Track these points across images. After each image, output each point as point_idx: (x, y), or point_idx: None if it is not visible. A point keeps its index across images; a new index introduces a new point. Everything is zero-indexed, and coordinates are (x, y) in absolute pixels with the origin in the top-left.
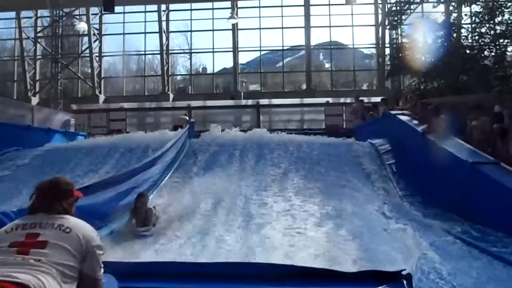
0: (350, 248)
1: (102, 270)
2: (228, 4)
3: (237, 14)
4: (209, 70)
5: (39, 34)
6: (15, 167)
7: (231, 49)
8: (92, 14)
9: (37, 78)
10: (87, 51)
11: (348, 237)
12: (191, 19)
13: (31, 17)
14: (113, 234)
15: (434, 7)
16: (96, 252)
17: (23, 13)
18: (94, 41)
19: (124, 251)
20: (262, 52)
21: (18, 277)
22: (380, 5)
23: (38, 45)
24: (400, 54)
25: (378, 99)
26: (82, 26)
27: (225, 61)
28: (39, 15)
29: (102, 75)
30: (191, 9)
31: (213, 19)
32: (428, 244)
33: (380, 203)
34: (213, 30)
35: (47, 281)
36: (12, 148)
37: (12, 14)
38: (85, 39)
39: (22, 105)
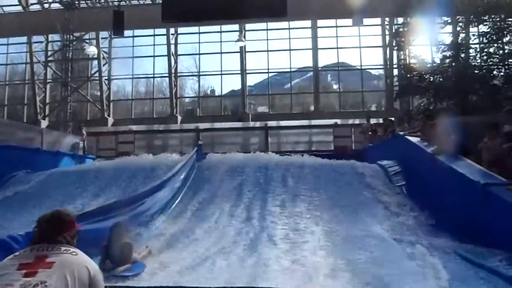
0: (360, 272)
1: None
2: (236, 27)
3: (244, 37)
4: (217, 92)
5: (49, 58)
6: (23, 190)
7: (239, 72)
8: (102, 38)
9: (47, 101)
10: (97, 74)
11: (358, 261)
12: (199, 42)
13: (42, 42)
14: None
15: (441, 28)
16: (100, 280)
17: (34, 38)
18: (104, 65)
19: None
20: (270, 74)
21: None
22: (387, 26)
23: (48, 69)
24: (408, 75)
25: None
26: (92, 50)
27: (233, 83)
28: (50, 39)
29: (111, 98)
30: (199, 32)
31: (221, 42)
32: (440, 267)
33: (391, 226)
34: (221, 52)
35: None
36: (22, 171)
37: (24, 39)
38: (95, 62)
39: (31, 128)
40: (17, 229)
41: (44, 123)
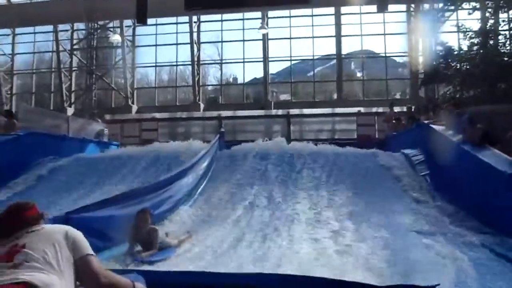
0: (382, 262)
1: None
2: (259, 14)
3: (267, 24)
4: (240, 80)
5: (75, 47)
6: (49, 175)
7: (262, 59)
8: (126, 26)
9: (73, 89)
10: (121, 62)
11: (380, 251)
12: (221, 30)
13: (67, 30)
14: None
15: (469, 14)
16: (78, 234)
17: (60, 27)
18: (128, 53)
19: None
20: (293, 62)
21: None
22: (413, 13)
23: (74, 57)
24: (434, 63)
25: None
26: (116, 38)
27: (255, 71)
28: (75, 28)
29: (135, 86)
30: (221, 20)
31: (243, 29)
32: (464, 259)
33: (414, 216)
34: (243, 40)
35: (37, 277)
36: (48, 157)
37: (50, 27)
38: (119, 50)
39: (58, 116)
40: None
41: (70, 111)
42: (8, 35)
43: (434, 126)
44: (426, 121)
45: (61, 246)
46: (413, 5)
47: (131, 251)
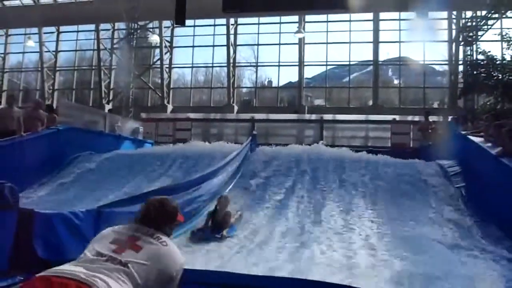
0: (411, 279)
1: None
2: (296, 18)
3: (304, 29)
4: (274, 84)
5: (115, 46)
6: (86, 170)
7: (297, 63)
8: (164, 27)
9: (111, 87)
10: (158, 62)
11: (410, 267)
12: (258, 33)
13: (108, 30)
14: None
15: None
16: (180, 272)
17: (101, 26)
18: (165, 53)
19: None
20: (328, 67)
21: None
22: (454, 20)
23: (113, 55)
24: (475, 72)
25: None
26: (154, 38)
27: (290, 75)
28: (116, 27)
29: (171, 86)
30: (258, 23)
31: (280, 33)
32: (501, 278)
33: (448, 231)
34: (279, 44)
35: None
36: (86, 152)
37: (92, 26)
38: (157, 51)
39: (96, 112)
40: (80, 205)
41: (108, 108)
42: (53, 32)
43: (472, 138)
44: (464, 132)
45: (162, 273)
46: (454, 12)
47: (206, 228)
